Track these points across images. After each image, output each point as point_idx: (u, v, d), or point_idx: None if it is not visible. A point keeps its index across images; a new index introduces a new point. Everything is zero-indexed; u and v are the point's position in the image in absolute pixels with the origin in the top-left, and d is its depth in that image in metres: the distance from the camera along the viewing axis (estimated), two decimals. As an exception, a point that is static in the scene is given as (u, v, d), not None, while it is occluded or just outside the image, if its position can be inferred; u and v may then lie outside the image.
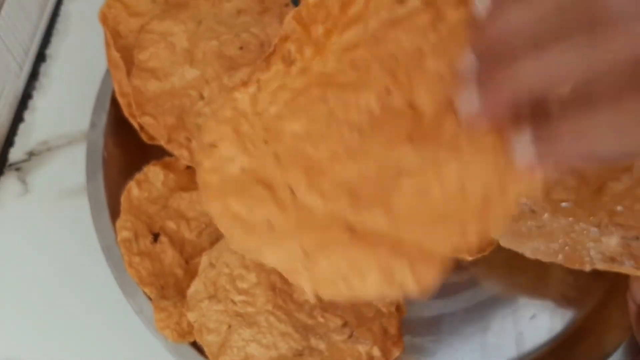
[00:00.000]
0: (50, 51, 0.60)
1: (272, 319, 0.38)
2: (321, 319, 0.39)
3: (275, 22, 0.47)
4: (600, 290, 0.47)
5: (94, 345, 0.46)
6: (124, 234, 0.41)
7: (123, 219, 0.42)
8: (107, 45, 0.44)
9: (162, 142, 0.42)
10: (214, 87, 0.44)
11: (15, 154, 0.55)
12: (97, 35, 0.47)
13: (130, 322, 0.41)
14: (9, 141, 0.55)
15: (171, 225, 0.43)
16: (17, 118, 0.56)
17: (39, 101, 0.57)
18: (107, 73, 0.48)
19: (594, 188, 0.45)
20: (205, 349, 0.38)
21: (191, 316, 0.38)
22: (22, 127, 0.56)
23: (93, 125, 0.46)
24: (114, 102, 0.46)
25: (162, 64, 0.45)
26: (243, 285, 0.39)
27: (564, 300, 0.47)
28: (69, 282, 0.48)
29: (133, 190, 0.43)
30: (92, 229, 0.44)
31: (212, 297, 0.39)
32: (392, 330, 0.39)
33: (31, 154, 0.55)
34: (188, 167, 0.44)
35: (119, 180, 0.44)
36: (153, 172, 0.44)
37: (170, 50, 0.45)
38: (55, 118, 0.56)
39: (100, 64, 0.49)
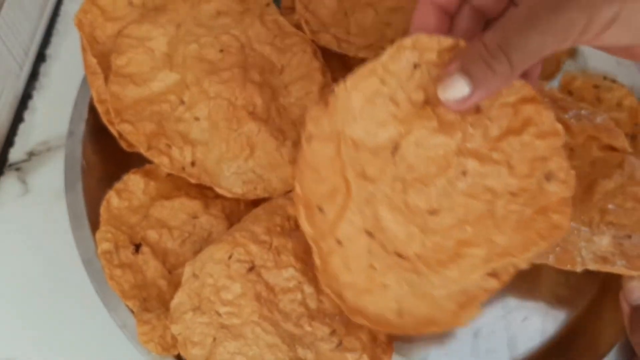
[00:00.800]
0: (50, 51, 0.59)
1: (258, 330, 0.37)
2: (309, 328, 0.38)
3: (256, 22, 0.46)
4: (592, 290, 0.46)
5: (94, 346, 0.46)
6: (105, 245, 0.40)
7: (103, 230, 0.41)
8: (84, 50, 0.43)
9: (141, 150, 0.40)
10: (195, 91, 0.43)
11: (15, 154, 0.55)
12: None
13: (131, 321, 0.40)
14: (9, 141, 0.55)
15: (153, 234, 0.42)
16: (17, 118, 0.56)
17: (39, 101, 0.57)
18: (84, 80, 0.47)
19: (584, 186, 0.44)
20: (190, 363, 0.37)
21: (175, 329, 0.37)
22: (22, 127, 0.56)
23: (71, 133, 0.45)
24: (93, 109, 0.45)
25: (141, 69, 0.43)
26: (228, 296, 0.37)
27: (556, 301, 0.46)
28: (69, 282, 0.47)
29: (113, 200, 0.42)
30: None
31: (196, 309, 0.37)
32: (382, 337, 0.38)
33: (31, 154, 0.54)
34: (169, 175, 0.43)
35: (99, 190, 0.43)
36: (133, 181, 0.43)
37: (149, 55, 0.44)
38: (55, 118, 0.55)
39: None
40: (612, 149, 0.45)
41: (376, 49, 0.46)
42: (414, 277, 0.36)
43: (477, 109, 0.37)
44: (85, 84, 0.47)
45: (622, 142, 0.44)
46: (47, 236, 0.50)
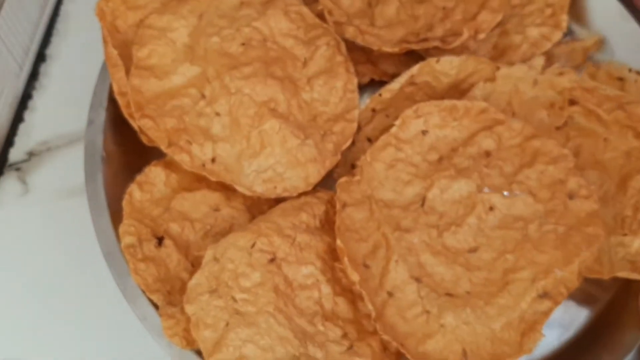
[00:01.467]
0: (50, 51, 0.59)
1: (271, 320, 0.37)
2: (321, 327, 0.38)
3: (279, 14, 0.44)
4: (615, 284, 0.45)
5: (94, 346, 0.46)
6: (128, 239, 0.40)
7: (126, 224, 0.41)
8: (105, 42, 0.42)
9: (162, 147, 0.40)
10: (216, 86, 0.42)
11: (15, 154, 0.54)
12: (97, 35, 0.45)
13: (130, 323, 0.40)
14: (9, 141, 0.55)
15: (175, 227, 0.42)
16: (17, 118, 0.56)
17: (39, 101, 0.57)
18: (104, 67, 0.46)
19: (618, 180, 0.44)
20: (200, 344, 0.37)
21: (189, 309, 0.37)
22: (22, 127, 0.56)
23: (90, 122, 0.45)
24: (112, 99, 0.44)
25: (162, 62, 0.43)
26: (246, 283, 0.38)
27: (578, 295, 0.44)
28: (69, 282, 0.48)
29: (135, 192, 0.42)
30: (93, 230, 0.42)
31: (212, 292, 0.38)
32: (392, 348, 0.38)
33: (31, 154, 0.54)
34: None
35: (119, 181, 0.43)
36: (154, 173, 0.43)
37: (171, 47, 0.43)
38: (55, 118, 0.56)
39: (99, 65, 0.47)
40: None
41: (401, 43, 0.46)
42: (470, 312, 0.38)
43: (488, 153, 0.41)
44: (104, 71, 0.46)
45: None
46: (47, 236, 0.50)
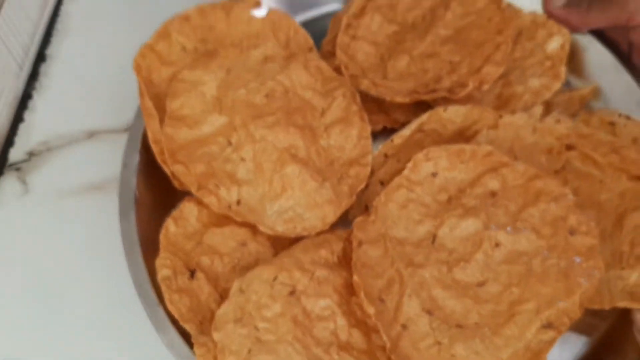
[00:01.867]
0: (50, 51, 0.60)
1: (290, 349, 0.40)
2: (336, 357, 0.41)
3: (300, 68, 0.48)
4: (613, 314, 0.47)
5: (94, 346, 0.46)
6: (164, 272, 0.42)
7: (162, 257, 0.43)
8: (141, 94, 0.46)
9: (192, 190, 0.44)
10: (242, 134, 0.46)
11: (15, 154, 0.55)
12: (96, 35, 0.47)
13: (130, 322, 0.43)
14: (9, 141, 0.55)
15: (206, 260, 0.44)
16: (17, 118, 0.56)
17: (39, 101, 0.57)
18: (138, 115, 0.49)
19: (614, 219, 0.46)
20: (226, 370, 0.40)
21: (216, 336, 0.40)
22: (22, 127, 0.56)
23: (125, 165, 0.48)
24: (145, 144, 0.47)
25: (193, 112, 0.46)
26: (268, 313, 0.41)
27: (575, 325, 0.46)
28: (69, 281, 0.48)
29: (170, 227, 0.44)
30: (93, 230, 0.46)
31: (237, 321, 0.40)
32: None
33: (31, 154, 0.54)
34: None
35: (150, 219, 0.46)
36: (188, 208, 0.45)
37: (201, 99, 0.47)
38: (55, 118, 0.56)
39: (100, 65, 0.49)
40: None
41: (412, 94, 0.49)
42: (479, 343, 0.40)
43: (493, 194, 0.44)
44: (139, 117, 0.49)
45: None
46: (47, 236, 0.50)
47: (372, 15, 0.53)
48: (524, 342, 0.40)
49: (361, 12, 0.53)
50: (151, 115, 0.46)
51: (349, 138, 0.48)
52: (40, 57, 0.59)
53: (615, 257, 0.45)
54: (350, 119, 0.48)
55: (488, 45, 0.50)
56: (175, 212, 0.45)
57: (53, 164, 0.54)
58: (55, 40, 0.60)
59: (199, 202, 0.45)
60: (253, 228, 0.45)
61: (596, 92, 0.54)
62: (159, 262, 0.43)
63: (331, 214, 0.45)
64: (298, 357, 0.40)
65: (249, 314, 0.41)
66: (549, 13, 0.53)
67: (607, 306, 0.43)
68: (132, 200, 0.46)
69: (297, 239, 0.45)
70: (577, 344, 0.46)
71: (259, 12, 0.51)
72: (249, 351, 0.40)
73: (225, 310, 0.41)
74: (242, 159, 0.46)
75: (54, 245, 0.50)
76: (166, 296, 0.41)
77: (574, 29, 0.53)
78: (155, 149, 0.45)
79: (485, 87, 0.49)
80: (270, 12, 0.51)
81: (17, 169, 0.54)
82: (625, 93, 0.52)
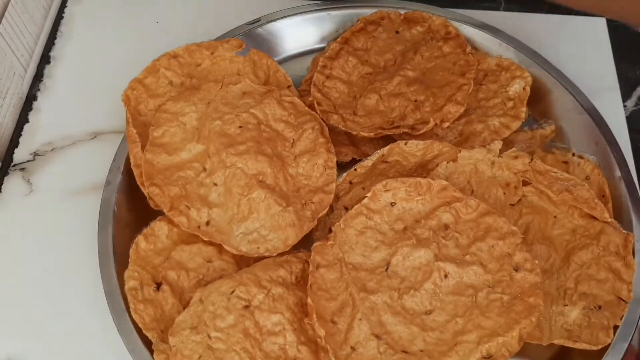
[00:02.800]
0: (54, 53, 0.60)
1: (237, 358, 0.42)
2: None
3: (274, 103, 0.52)
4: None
5: (96, 344, 0.48)
6: (131, 283, 0.46)
7: (131, 269, 0.46)
8: (127, 122, 0.50)
9: (164, 210, 0.47)
10: (215, 160, 0.49)
11: (20, 154, 0.55)
12: (100, 37, 0.49)
13: None
14: (14, 142, 0.55)
15: (172, 275, 0.47)
16: (22, 119, 0.57)
17: (44, 102, 0.58)
18: (124, 141, 0.52)
19: (563, 256, 0.48)
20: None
21: (171, 340, 0.43)
22: (26, 128, 0.56)
23: (108, 183, 0.51)
24: (128, 167, 0.51)
25: (173, 140, 0.50)
26: (221, 324, 0.43)
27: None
28: (72, 281, 0.49)
29: (141, 243, 0.48)
30: (95, 231, 0.47)
31: (193, 329, 0.43)
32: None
33: (36, 155, 0.55)
34: None
35: (126, 233, 0.49)
36: (159, 226, 0.48)
37: (181, 128, 0.51)
38: (60, 119, 0.57)
39: (103, 67, 0.50)
40: (593, 217, 0.48)
41: (376, 129, 0.52)
42: None
43: (446, 227, 0.46)
44: (125, 141, 0.52)
45: (601, 212, 0.48)
46: (51, 235, 0.51)
47: (347, 58, 0.57)
48: None
49: (337, 55, 0.57)
50: (134, 142, 0.50)
51: (316, 167, 0.51)
52: (45, 59, 0.60)
53: (560, 293, 0.46)
54: (318, 150, 0.51)
55: (451, 86, 0.53)
56: (146, 230, 0.48)
57: (57, 164, 0.55)
58: (59, 42, 0.61)
59: (170, 221, 0.48)
60: (219, 246, 0.48)
61: (556, 132, 0.55)
62: (127, 274, 0.46)
63: (293, 236, 0.48)
64: None
65: (204, 323, 0.44)
66: None
67: (545, 342, 0.44)
68: (110, 216, 0.50)
69: (260, 259, 0.48)
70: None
71: (241, 53, 0.56)
72: (200, 357, 0.42)
73: (184, 317, 0.44)
74: (215, 184, 0.49)
75: (58, 244, 0.51)
76: (131, 306, 0.45)
77: None
78: (135, 172, 0.49)
79: (446, 124, 0.52)
80: (252, 52, 0.56)
81: (22, 169, 0.54)
82: (584, 132, 0.54)
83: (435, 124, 0.51)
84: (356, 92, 0.55)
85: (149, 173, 0.49)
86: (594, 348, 0.44)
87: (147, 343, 0.45)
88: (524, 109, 0.54)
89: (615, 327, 0.45)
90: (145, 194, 0.49)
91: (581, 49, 0.63)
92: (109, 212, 0.50)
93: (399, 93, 0.54)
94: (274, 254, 0.48)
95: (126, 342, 0.45)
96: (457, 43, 0.56)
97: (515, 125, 0.53)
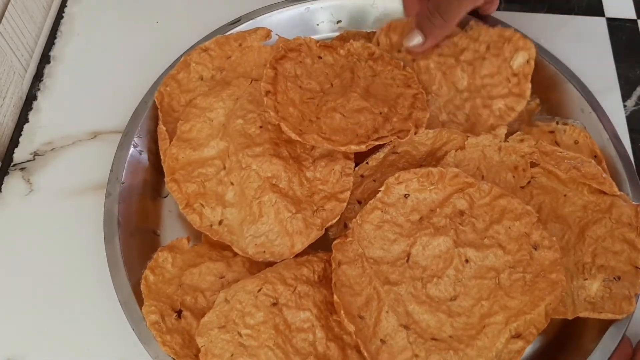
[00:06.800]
0: (54, 53, 0.59)
1: (270, 354, 0.41)
2: None
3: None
4: None
5: (97, 344, 0.47)
6: (152, 317, 0.44)
7: (147, 305, 0.44)
8: (159, 119, 0.49)
9: (180, 206, 0.46)
10: (233, 160, 0.48)
11: (20, 154, 0.54)
12: (100, 37, 0.47)
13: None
14: (14, 141, 0.54)
15: (189, 299, 0.45)
16: (22, 119, 0.56)
17: (44, 102, 0.57)
18: (120, 148, 0.51)
19: (577, 232, 0.47)
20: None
21: (199, 340, 0.41)
22: (26, 128, 0.55)
23: (108, 194, 0.49)
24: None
25: (199, 136, 0.49)
26: (251, 321, 0.42)
27: None
28: (73, 280, 0.49)
29: (149, 277, 0.46)
30: (97, 229, 0.47)
31: (221, 328, 0.42)
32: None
33: (36, 154, 0.54)
34: (192, 247, 0.48)
35: (133, 240, 0.48)
36: (162, 257, 0.47)
37: (208, 124, 0.49)
38: (60, 119, 0.56)
39: (104, 66, 0.49)
40: (602, 191, 0.48)
41: (358, 144, 0.48)
42: (453, 354, 0.41)
43: (462, 213, 0.45)
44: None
45: (610, 186, 0.48)
46: (51, 235, 0.50)
47: (286, 83, 0.51)
48: (494, 352, 0.41)
49: (274, 81, 0.51)
50: (164, 139, 0.49)
51: (333, 173, 0.48)
52: (45, 59, 0.59)
53: (579, 268, 0.46)
54: (335, 155, 0.49)
55: (404, 96, 0.51)
56: (151, 263, 0.46)
57: (57, 164, 0.54)
58: (59, 42, 0.60)
59: (171, 250, 0.47)
60: (226, 260, 0.47)
61: (544, 105, 0.56)
62: (145, 309, 0.44)
63: (299, 244, 0.46)
64: None
65: (232, 321, 0.42)
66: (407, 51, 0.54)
67: (570, 316, 0.44)
68: (115, 226, 0.48)
69: (268, 264, 0.46)
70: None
71: (269, 42, 0.54)
72: (232, 355, 0.41)
73: (210, 318, 0.42)
74: (232, 183, 0.48)
75: (58, 244, 0.50)
76: (158, 339, 0.43)
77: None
78: (165, 168, 0.49)
79: (421, 130, 0.49)
80: (279, 40, 0.53)
81: (22, 169, 0.53)
82: (569, 101, 0.54)
83: (414, 131, 0.49)
84: (310, 116, 0.50)
85: (171, 167, 0.47)
86: (619, 317, 0.44)
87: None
88: (529, 85, 0.52)
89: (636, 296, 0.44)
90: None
91: (581, 49, 0.62)
92: (113, 224, 0.48)
93: (362, 108, 0.50)
94: (278, 260, 0.46)
95: (149, 349, 0.43)
96: (384, 61, 0.53)
97: (520, 105, 0.52)
